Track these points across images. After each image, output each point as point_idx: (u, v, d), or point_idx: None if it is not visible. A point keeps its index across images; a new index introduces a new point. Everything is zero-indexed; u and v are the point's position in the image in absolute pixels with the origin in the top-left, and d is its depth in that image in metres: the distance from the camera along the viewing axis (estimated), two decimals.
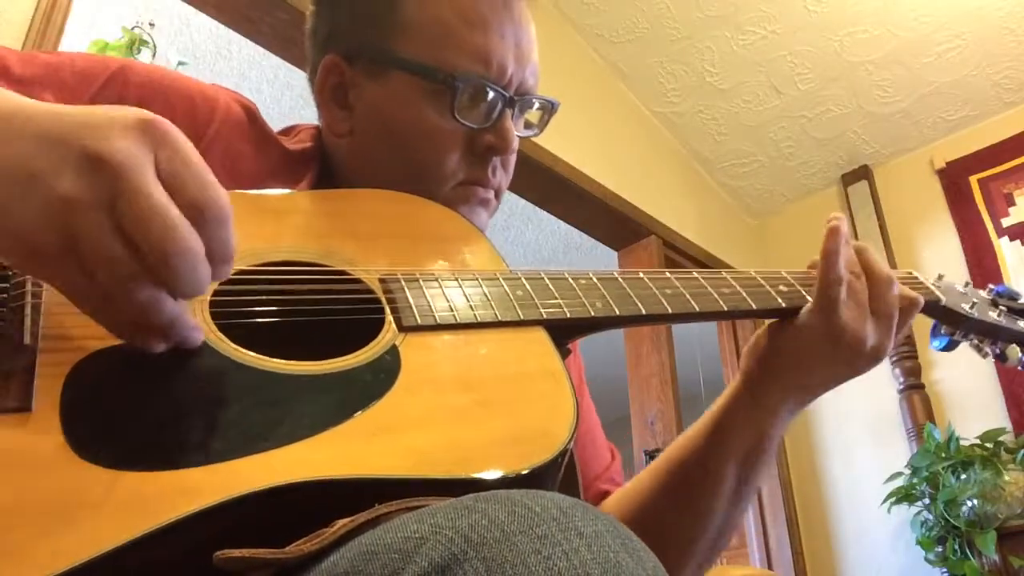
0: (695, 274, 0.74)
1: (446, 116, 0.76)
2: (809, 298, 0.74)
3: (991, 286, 0.90)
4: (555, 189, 2.92)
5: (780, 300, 0.75)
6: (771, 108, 3.52)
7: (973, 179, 3.52)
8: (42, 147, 0.43)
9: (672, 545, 0.76)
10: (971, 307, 0.84)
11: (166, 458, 0.43)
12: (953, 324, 0.86)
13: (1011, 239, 3.35)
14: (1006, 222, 3.38)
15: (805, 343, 0.72)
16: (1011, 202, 3.40)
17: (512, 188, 2.97)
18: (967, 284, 0.89)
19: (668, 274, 0.73)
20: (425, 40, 0.77)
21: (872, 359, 0.73)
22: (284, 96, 3.37)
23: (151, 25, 2.48)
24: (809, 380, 0.74)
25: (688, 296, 0.71)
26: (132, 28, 2.43)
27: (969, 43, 3.20)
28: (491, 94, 0.77)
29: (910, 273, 0.85)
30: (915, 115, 3.56)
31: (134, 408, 0.47)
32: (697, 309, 0.70)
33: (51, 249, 0.42)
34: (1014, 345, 0.88)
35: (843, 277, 0.70)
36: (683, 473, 0.77)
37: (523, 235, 4.41)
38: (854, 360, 0.72)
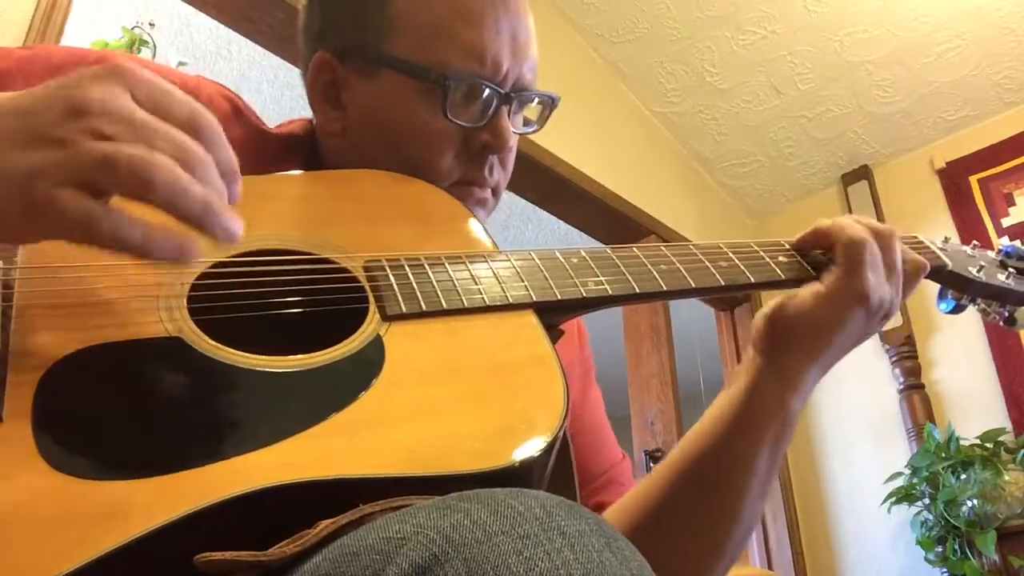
0: (691, 247, 0.72)
1: (438, 116, 0.74)
2: (811, 269, 0.73)
3: (1000, 246, 0.88)
4: (555, 189, 2.92)
5: (780, 272, 0.73)
6: (771, 108, 3.51)
7: (973, 179, 3.52)
8: (25, 115, 0.44)
9: (702, 545, 0.73)
10: (978, 270, 0.82)
11: (142, 465, 0.42)
12: (960, 288, 0.84)
13: (1011, 239, 3.34)
14: (1006, 222, 3.38)
15: (831, 307, 0.70)
16: (1011, 202, 3.39)
17: (512, 188, 2.98)
18: (975, 246, 0.86)
19: (663, 248, 0.71)
20: (416, 37, 0.75)
21: (884, 318, 0.73)
22: (284, 96, 3.37)
23: (151, 25, 2.49)
24: (832, 345, 0.72)
25: (684, 272, 0.68)
26: (132, 28, 2.44)
27: (969, 43, 3.19)
28: (486, 91, 0.75)
29: (915, 237, 0.82)
30: (915, 115, 3.55)
31: (109, 413, 0.45)
32: (693, 285, 0.68)
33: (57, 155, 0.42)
34: (1023, 308, 0.85)
35: (865, 237, 0.70)
36: (711, 468, 0.73)
37: (523, 235, 4.41)
38: (870, 320, 0.72)
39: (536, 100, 0.83)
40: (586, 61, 3.25)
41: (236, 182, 0.48)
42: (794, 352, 0.72)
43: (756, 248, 0.74)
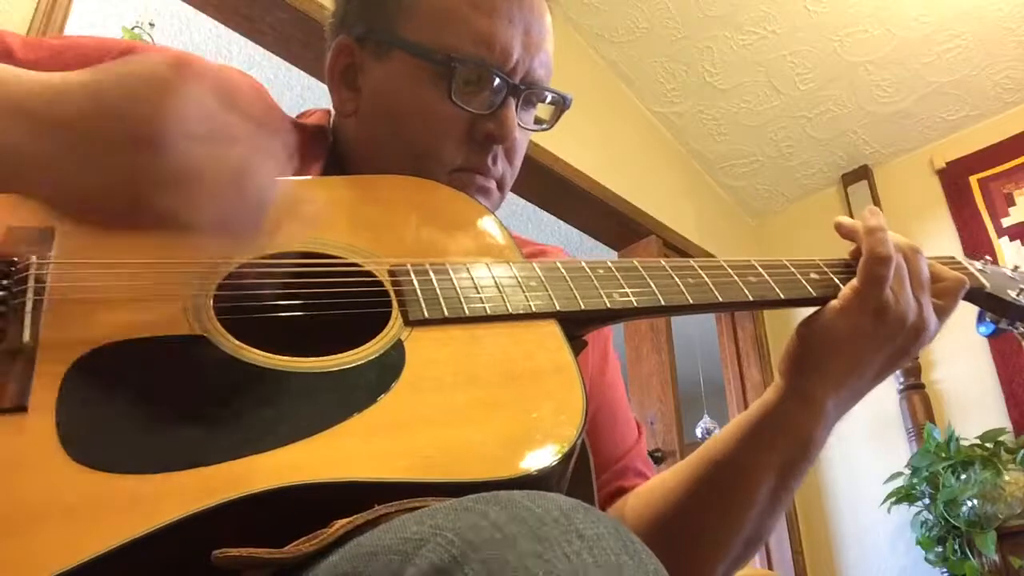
0: (721, 262, 0.71)
1: (445, 100, 0.75)
2: (842, 286, 0.71)
3: None
4: (555, 189, 2.92)
5: (811, 289, 0.71)
6: (771, 108, 3.51)
7: (973, 179, 3.52)
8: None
9: (702, 545, 0.74)
10: (1018, 293, 0.80)
11: (161, 461, 0.43)
12: (999, 311, 0.82)
13: (1011, 239, 3.35)
14: (1006, 222, 3.38)
15: (848, 319, 0.69)
16: (1011, 202, 3.40)
17: (512, 189, 2.97)
18: (1016, 268, 0.84)
19: (692, 262, 0.70)
20: (429, 22, 0.76)
21: (916, 335, 0.70)
22: (284, 96, 3.37)
23: (151, 25, 2.49)
24: (858, 367, 0.70)
25: (711, 286, 0.67)
26: (132, 28, 2.44)
27: (969, 43, 3.19)
28: (495, 80, 0.76)
29: (953, 258, 0.81)
30: (915, 115, 3.56)
31: (131, 408, 0.46)
32: (720, 300, 0.67)
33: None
34: None
35: (893, 255, 0.69)
36: (717, 475, 0.73)
37: (523, 235, 4.41)
38: (896, 336, 0.69)
39: (549, 98, 0.83)
40: (586, 61, 3.25)
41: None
42: (814, 372, 0.70)
43: (787, 265, 0.73)
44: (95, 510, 0.40)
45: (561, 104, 0.84)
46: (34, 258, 0.51)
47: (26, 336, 0.46)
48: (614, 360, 0.93)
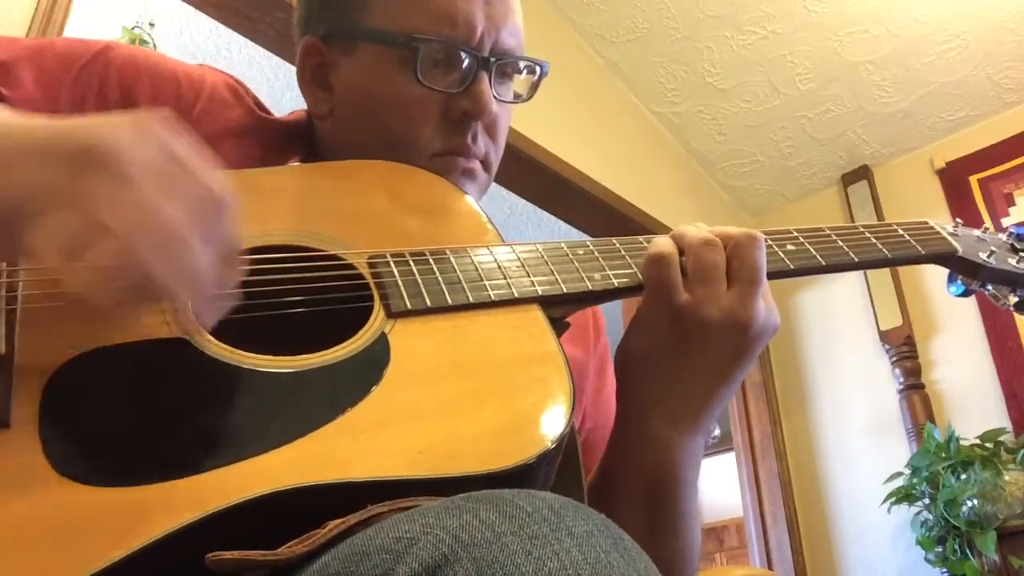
0: None
1: (414, 83, 0.74)
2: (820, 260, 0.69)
3: (1011, 229, 0.85)
4: (555, 189, 2.92)
5: (788, 262, 0.69)
6: (771, 108, 3.51)
7: (973, 179, 3.52)
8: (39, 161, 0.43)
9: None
10: (988, 255, 0.80)
11: (149, 471, 0.42)
12: (970, 274, 0.81)
13: None
14: (1006, 222, 3.37)
15: (646, 338, 0.64)
16: (1011, 202, 3.39)
17: (512, 188, 2.99)
18: (985, 230, 0.84)
19: None
20: (389, 7, 0.76)
21: (739, 335, 0.62)
22: (284, 96, 3.36)
23: (151, 25, 2.49)
24: (676, 384, 0.63)
25: None
26: (132, 28, 2.44)
27: (969, 43, 3.19)
28: (462, 56, 0.75)
29: (925, 222, 0.80)
30: (915, 115, 3.55)
31: (115, 418, 0.45)
32: None
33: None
34: None
35: (667, 252, 0.63)
36: (600, 486, 0.69)
37: (523, 235, 4.41)
38: (711, 341, 0.61)
39: (523, 70, 0.82)
40: (586, 61, 3.25)
41: (230, 266, 0.48)
42: (635, 401, 0.65)
43: (770, 241, 0.71)
44: (86, 526, 0.39)
45: (537, 72, 0.82)
46: (3, 265, 0.49)
47: (2, 347, 0.45)
48: (611, 372, 0.92)
